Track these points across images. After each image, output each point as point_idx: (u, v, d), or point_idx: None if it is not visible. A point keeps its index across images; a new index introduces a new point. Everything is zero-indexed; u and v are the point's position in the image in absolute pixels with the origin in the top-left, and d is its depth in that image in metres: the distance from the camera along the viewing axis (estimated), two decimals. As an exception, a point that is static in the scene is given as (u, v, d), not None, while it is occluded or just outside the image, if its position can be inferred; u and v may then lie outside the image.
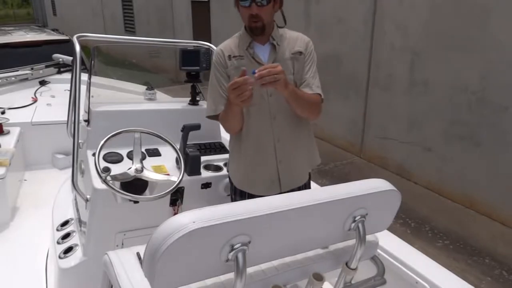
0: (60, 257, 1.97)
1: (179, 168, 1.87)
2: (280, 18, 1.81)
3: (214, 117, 1.81)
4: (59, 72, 4.52)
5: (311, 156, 1.92)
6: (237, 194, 1.89)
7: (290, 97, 1.61)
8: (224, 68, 1.77)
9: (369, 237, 1.22)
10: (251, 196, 1.80)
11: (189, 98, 2.42)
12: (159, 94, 2.90)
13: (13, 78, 4.18)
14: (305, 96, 1.72)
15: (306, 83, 1.77)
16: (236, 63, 1.75)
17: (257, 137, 1.78)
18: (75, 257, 1.94)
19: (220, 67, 1.78)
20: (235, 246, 0.95)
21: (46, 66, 4.44)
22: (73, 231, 2.14)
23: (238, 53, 1.76)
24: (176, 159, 1.96)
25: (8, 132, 3.22)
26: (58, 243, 2.08)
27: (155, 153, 2.09)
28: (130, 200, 1.77)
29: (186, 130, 2.00)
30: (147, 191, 1.84)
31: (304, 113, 1.76)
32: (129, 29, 12.00)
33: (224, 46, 1.80)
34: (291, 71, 1.74)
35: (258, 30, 1.70)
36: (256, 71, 1.42)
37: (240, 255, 0.95)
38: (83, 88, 2.15)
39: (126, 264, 1.26)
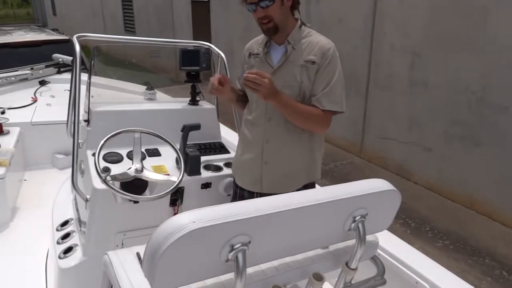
0: (60, 257, 1.96)
1: (179, 168, 1.87)
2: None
3: None
4: (59, 72, 4.51)
5: (307, 168, 1.81)
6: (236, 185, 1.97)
7: (277, 106, 1.64)
8: (243, 65, 1.87)
9: (369, 237, 1.23)
10: (241, 189, 1.90)
11: (189, 98, 2.42)
12: (159, 94, 2.90)
13: (13, 78, 4.17)
14: (299, 109, 1.66)
15: (316, 98, 1.67)
16: (252, 61, 1.80)
17: (250, 134, 1.83)
18: (75, 257, 1.94)
19: (243, 63, 1.88)
20: (235, 246, 0.95)
21: (46, 66, 4.43)
22: (73, 231, 2.14)
23: (257, 51, 1.80)
24: (176, 159, 1.96)
25: (8, 132, 3.22)
26: (58, 243, 2.08)
27: (155, 153, 2.08)
28: (130, 200, 1.77)
29: (186, 130, 2.00)
30: (147, 191, 1.84)
31: (300, 125, 1.71)
32: (129, 29, 12.00)
33: (250, 43, 1.88)
34: (297, 79, 1.66)
35: (271, 31, 1.65)
36: (247, 72, 1.54)
37: (240, 255, 0.95)
38: (83, 88, 2.14)
39: (126, 264, 1.26)
